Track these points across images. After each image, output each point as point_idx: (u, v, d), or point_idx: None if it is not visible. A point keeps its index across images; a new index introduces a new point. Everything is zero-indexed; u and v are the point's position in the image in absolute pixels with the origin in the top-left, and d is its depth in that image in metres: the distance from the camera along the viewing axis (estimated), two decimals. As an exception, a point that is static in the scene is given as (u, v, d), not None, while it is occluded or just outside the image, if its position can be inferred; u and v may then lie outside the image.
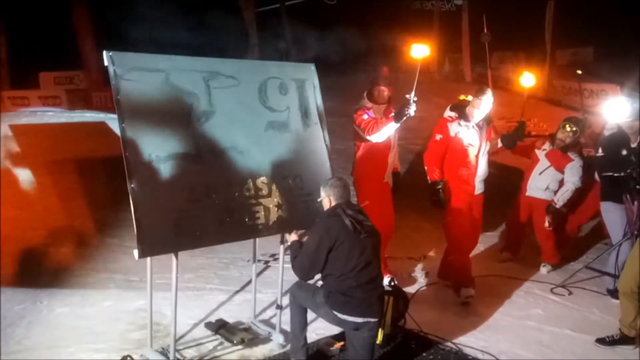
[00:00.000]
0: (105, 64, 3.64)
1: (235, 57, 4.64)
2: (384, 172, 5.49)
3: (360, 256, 3.73)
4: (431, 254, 6.54)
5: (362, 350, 3.83)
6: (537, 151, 6.17)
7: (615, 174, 5.23)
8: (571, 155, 5.98)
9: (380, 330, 4.07)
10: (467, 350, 4.39)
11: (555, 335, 4.73)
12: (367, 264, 3.76)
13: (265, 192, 4.12)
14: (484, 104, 5.24)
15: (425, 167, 5.36)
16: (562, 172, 6.00)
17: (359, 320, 3.76)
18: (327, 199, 3.93)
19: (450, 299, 5.37)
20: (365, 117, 5.30)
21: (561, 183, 6.04)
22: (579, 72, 12.14)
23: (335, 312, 3.77)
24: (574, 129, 5.96)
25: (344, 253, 3.71)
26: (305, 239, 4.00)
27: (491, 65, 17.10)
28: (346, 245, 3.71)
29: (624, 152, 5.20)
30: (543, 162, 6.09)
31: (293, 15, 18.68)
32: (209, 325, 4.61)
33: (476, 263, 5.64)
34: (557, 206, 5.99)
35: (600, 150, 5.46)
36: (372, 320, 3.79)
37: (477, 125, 5.31)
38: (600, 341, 4.56)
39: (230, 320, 4.69)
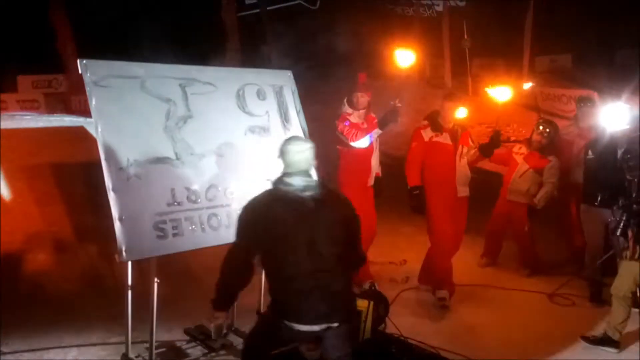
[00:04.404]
0: (80, 71, 3.62)
1: (216, 62, 4.64)
2: (368, 176, 5.60)
3: (301, 237, 2.97)
4: (411, 258, 6.57)
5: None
6: (515, 155, 6.26)
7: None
8: (549, 156, 6.08)
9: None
10: (446, 354, 4.41)
11: (533, 338, 4.78)
12: (311, 246, 2.96)
13: (248, 195, 4.07)
14: (450, 107, 5.42)
15: (406, 175, 5.51)
16: (541, 174, 6.09)
17: (315, 328, 3.02)
18: (280, 161, 3.21)
19: (430, 303, 5.40)
20: (347, 123, 5.41)
21: (540, 187, 6.11)
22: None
23: (287, 322, 3.01)
24: (548, 129, 6.09)
25: (277, 238, 2.98)
26: None
27: (471, 71, 17.31)
28: (277, 228, 2.97)
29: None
30: (522, 165, 6.17)
31: (274, 20, 18.69)
32: (188, 331, 4.57)
33: (456, 268, 5.67)
34: (538, 207, 6.06)
35: (590, 152, 5.52)
36: (333, 325, 3.03)
37: (449, 128, 5.44)
38: (585, 339, 4.64)
39: (210, 326, 4.65)
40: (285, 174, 3.10)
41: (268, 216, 2.99)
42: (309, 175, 3.13)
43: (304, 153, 3.16)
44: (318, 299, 2.97)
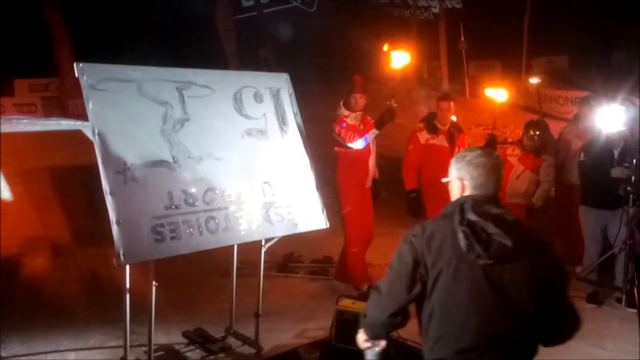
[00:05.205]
0: (77, 75, 3.62)
1: (213, 66, 4.65)
2: (366, 178, 5.62)
3: (473, 296, 2.16)
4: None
5: None
6: (509, 158, 6.25)
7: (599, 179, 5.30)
8: (543, 155, 6.10)
9: None
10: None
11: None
12: (485, 312, 2.16)
13: (246, 198, 4.10)
14: (446, 107, 5.52)
15: (403, 178, 5.56)
16: (537, 174, 6.10)
17: None
18: (457, 184, 2.36)
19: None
20: (344, 125, 5.43)
21: (537, 186, 6.12)
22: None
23: None
24: (537, 132, 6.10)
25: (444, 287, 2.18)
26: None
27: (468, 73, 17.37)
28: (449, 273, 2.17)
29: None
30: (517, 167, 6.18)
31: (272, 23, 18.72)
32: (186, 334, 4.57)
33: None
34: (536, 206, 6.07)
35: (582, 155, 5.56)
36: None
37: (446, 130, 5.48)
38: None
39: (209, 329, 4.66)
40: (471, 200, 2.25)
41: (447, 252, 2.17)
42: (500, 204, 2.30)
43: (496, 171, 2.31)
44: None
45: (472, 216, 2.18)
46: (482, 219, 2.17)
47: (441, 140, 5.46)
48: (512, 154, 6.26)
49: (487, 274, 2.15)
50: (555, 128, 6.73)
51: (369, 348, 2.48)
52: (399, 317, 2.29)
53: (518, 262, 2.17)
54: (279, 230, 4.24)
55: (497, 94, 5.66)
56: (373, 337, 2.43)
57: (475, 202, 2.22)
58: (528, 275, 2.17)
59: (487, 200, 2.25)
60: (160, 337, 4.49)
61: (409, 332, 4.63)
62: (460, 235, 2.14)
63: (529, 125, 6.27)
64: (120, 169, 3.60)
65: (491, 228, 2.15)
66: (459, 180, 2.33)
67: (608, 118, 5.37)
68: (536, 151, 6.10)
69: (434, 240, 2.19)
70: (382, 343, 2.46)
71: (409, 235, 2.26)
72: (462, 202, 2.24)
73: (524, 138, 6.17)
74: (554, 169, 6.11)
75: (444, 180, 2.44)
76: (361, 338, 2.47)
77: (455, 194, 2.35)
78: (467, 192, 2.30)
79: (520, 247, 2.15)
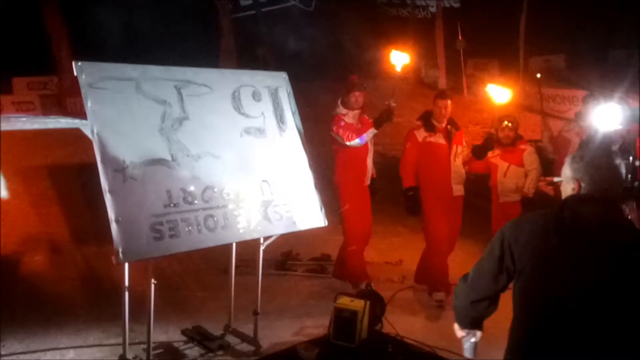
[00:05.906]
0: (75, 74, 3.63)
1: (212, 64, 4.66)
2: (364, 176, 5.64)
3: (552, 296, 2.06)
4: (407, 258, 6.59)
5: None
6: (492, 160, 6.20)
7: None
8: (521, 146, 6.11)
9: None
10: (442, 353, 4.43)
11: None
12: (584, 317, 2.01)
13: (245, 196, 4.11)
14: (443, 105, 5.50)
15: (401, 176, 5.56)
16: (523, 166, 6.10)
17: None
18: (571, 185, 2.18)
19: (426, 302, 5.42)
20: (342, 124, 5.45)
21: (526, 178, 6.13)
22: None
23: None
24: (512, 122, 6.11)
25: (525, 282, 2.14)
26: None
27: (466, 71, 17.37)
28: (531, 269, 2.11)
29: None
30: (502, 164, 6.17)
31: (270, 22, 18.72)
32: (185, 332, 4.59)
33: (453, 267, 5.71)
34: (530, 195, 6.07)
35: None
36: None
37: (443, 128, 5.49)
38: None
39: (207, 327, 4.68)
40: (576, 198, 2.12)
41: (534, 247, 2.09)
42: (613, 206, 2.10)
43: (618, 171, 2.14)
44: None
45: (569, 213, 2.06)
46: (579, 217, 2.04)
47: (438, 138, 5.47)
48: (494, 155, 6.22)
49: (571, 274, 2.02)
50: (553, 126, 6.75)
51: (463, 337, 2.51)
52: (484, 303, 2.33)
53: (613, 268, 1.99)
54: (278, 229, 4.26)
55: (500, 93, 5.65)
56: (462, 325, 2.48)
57: (579, 200, 2.10)
58: (623, 284, 1.98)
59: (594, 200, 2.08)
60: (159, 335, 4.50)
61: (409, 330, 4.67)
62: (551, 232, 2.05)
63: (501, 118, 6.24)
64: (119, 168, 3.61)
65: (587, 228, 2.03)
66: (575, 180, 2.16)
67: (605, 116, 5.39)
68: (513, 143, 6.09)
69: (523, 234, 2.13)
70: (478, 334, 2.50)
71: (504, 226, 2.21)
72: (566, 200, 2.14)
73: (500, 132, 6.14)
74: (538, 156, 6.12)
75: (556, 179, 2.30)
76: (456, 327, 2.53)
77: (567, 194, 2.19)
78: (583, 191, 2.15)
79: (619, 253, 1.99)
